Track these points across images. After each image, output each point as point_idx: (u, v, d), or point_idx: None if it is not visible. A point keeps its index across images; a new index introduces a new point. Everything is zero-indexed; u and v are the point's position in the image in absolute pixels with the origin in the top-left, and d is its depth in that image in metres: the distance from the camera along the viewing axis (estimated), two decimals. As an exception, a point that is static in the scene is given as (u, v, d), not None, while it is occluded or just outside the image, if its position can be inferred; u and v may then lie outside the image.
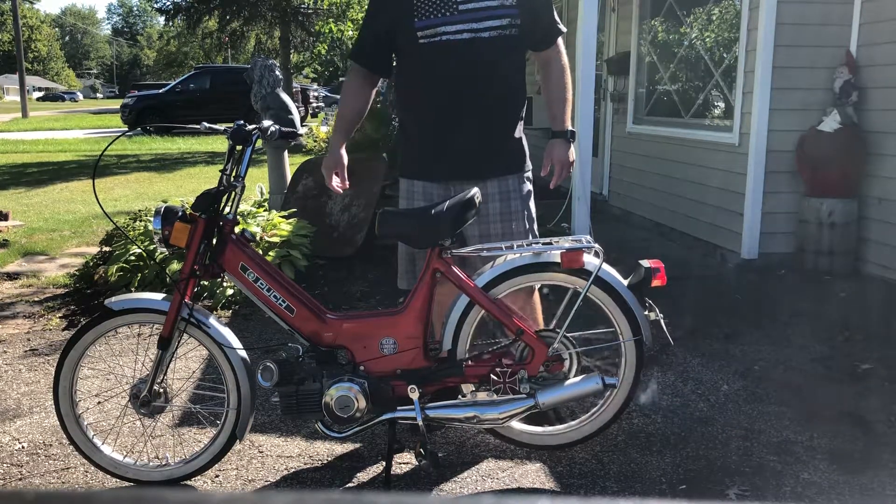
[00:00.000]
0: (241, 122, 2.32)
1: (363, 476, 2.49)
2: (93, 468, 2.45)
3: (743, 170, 4.96)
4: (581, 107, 4.72)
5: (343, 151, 2.61)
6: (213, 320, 2.36)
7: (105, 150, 2.55)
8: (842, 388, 3.12)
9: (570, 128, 2.61)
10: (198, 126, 2.77)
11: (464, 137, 2.51)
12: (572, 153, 2.63)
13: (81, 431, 2.40)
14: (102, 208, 2.50)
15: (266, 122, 2.37)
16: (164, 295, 2.43)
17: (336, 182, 2.59)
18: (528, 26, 2.50)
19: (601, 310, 2.42)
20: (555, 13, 2.60)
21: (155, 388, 2.35)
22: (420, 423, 2.26)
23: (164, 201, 5.49)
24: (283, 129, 2.42)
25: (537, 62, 2.69)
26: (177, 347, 2.36)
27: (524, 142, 2.66)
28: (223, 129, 2.28)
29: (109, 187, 9.71)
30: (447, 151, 2.54)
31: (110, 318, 2.34)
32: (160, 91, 21.61)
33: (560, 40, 2.63)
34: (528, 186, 2.65)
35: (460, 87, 2.47)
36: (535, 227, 2.67)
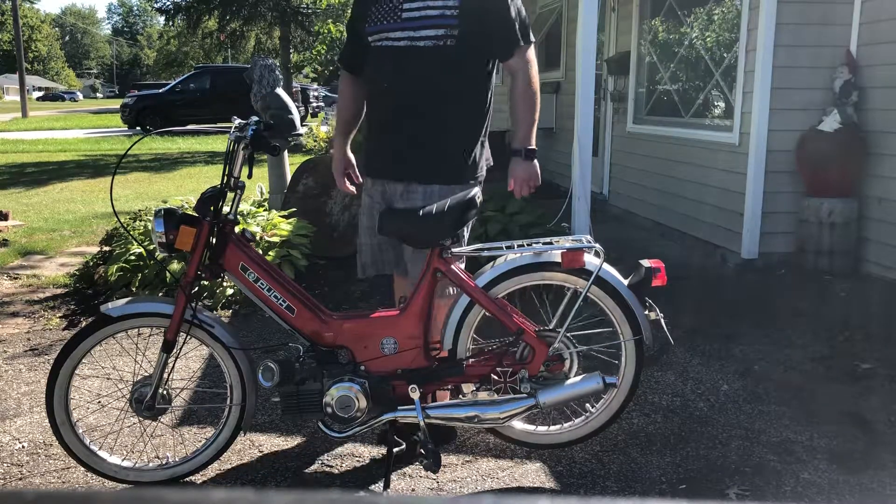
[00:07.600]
0: (242, 122, 2.32)
1: (363, 476, 2.49)
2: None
3: (743, 169, 4.96)
4: (581, 107, 4.71)
5: (347, 151, 2.77)
6: (215, 320, 2.36)
7: (128, 150, 2.57)
8: (842, 388, 3.12)
9: (529, 146, 2.52)
10: (198, 126, 2.79)
11: (394, 138, 2.54)
12: (532, 169, 2.53)
13: (77, 438, 2.34)
14: (114, 210, 2.50)
15: (254, 118, 2.37)
16: (161, 297, 2.43)
17: (348, 183, 2.76)
18: (479, 37, 2.43)
19: (602, 310, 2.42)
20: (517, 23, 2.47)
21: (160, 391, 2.34)
22: (421, 422, 2.26)
23: (165, 201, 5.50)
24: (278, 127, 2.42)
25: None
26: (180, 349, 2.36)
27: (471, 156, 2.53)
28: (241, 134, 2.26)
29: (109, 187, 9.71)
30: (379, 149, 2.59)
31: (109, 325, 2.29)
32: (160, 91, 21.62)
33: (525, 52, 2.51)
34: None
35: (394, 91, 2.49)
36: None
